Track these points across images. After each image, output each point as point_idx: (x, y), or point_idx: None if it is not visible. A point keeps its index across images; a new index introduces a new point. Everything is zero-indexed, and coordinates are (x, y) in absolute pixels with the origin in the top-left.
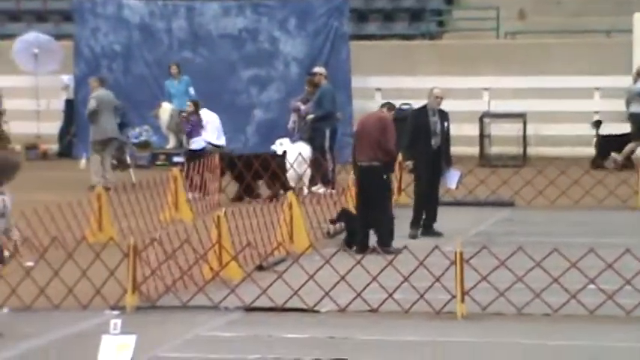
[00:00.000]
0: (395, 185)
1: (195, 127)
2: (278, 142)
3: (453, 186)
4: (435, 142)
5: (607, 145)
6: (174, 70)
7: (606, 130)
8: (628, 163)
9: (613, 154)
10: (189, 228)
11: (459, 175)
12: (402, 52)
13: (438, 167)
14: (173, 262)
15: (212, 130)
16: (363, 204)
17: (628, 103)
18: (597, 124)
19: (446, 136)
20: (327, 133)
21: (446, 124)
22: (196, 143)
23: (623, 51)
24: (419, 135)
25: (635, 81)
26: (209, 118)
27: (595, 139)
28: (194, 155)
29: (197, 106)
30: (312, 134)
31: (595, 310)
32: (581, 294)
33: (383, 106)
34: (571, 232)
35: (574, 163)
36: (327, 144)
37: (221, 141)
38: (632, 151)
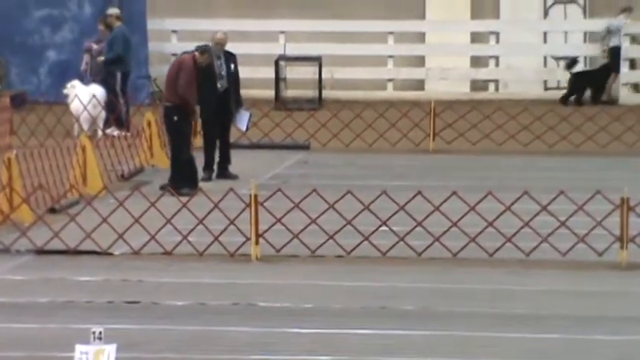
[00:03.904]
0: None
1: None
2: (69, 84)
3: (244, 127)
4: (220, 84)
5: (580, 81)
6: None
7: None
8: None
9: None
10: None
11: (249, 116)
12: None
13: (225, 110)
14: None
15: None
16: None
17: (605, 38)
18: (572, 63)
19: (234, 77)
20: (119, 75)
21: (232, 65)
22: None
23: None
24: (204, 79)
25: (617, 17)
26: None
27: (569, 78)
28: None
29: None
30: (105, 76)
31: (387, 251)
32: (374, 236)
33: (197, 49)
34: (365, 175)
35: (368, 107)
36: (118, 86)
37: None
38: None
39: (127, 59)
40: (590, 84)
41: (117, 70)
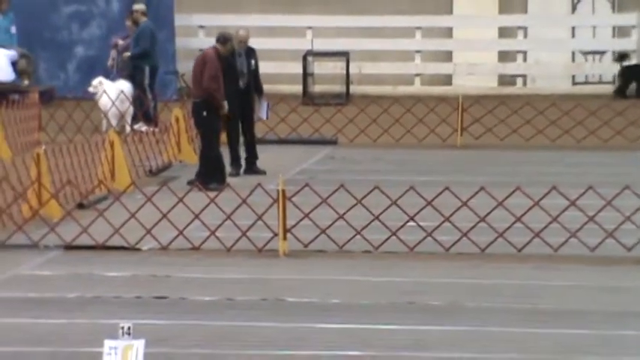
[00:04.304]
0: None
1: None
2: (96, 81)
3: (264, 116)
4: (242, 82)
5: (629, 75)
6: (4, 5)
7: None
8: None
9: None
10: (7, 166)
11: (268, 105)
12: None
13: (247, 106)
14: None
15: None
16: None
17: None
18: (622, 56)
19: (254, 73)
20: (147, 70)
21: (253, 61)
22: None
23: None
24: (226, 76)
25: None
26: None
27: (618, 70)
28: None
29: None
30: (132, 72)
31: (415, 247)
32: (401, 231)
33: (217, 40)
34: (392, 170)
35: (396, 102)
36: (146, 81)
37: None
38: None
39: (154, 54)
40: (636, 78)
41: (144, 65)
